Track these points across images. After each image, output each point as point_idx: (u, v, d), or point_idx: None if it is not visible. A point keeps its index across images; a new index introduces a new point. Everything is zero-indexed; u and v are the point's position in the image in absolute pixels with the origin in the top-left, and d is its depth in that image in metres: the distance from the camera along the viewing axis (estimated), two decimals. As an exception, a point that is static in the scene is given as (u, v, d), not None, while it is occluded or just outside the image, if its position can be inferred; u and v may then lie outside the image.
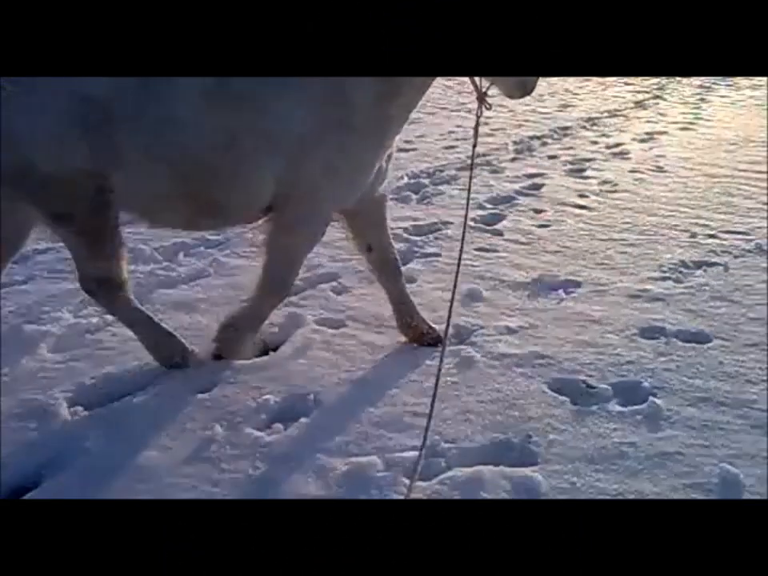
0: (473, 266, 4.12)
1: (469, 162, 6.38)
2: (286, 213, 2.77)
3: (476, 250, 4.33)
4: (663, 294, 3.74)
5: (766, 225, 4.78)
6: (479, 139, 3.05)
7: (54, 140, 2.44)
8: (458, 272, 2.81)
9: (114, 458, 2.47)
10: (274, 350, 3.14)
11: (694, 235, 4.59)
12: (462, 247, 2.86)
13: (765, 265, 4.12)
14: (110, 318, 3.31)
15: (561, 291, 3.80)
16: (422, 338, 3.20)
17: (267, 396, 2.76)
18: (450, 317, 2.54)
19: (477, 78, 2.82)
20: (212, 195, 2.66)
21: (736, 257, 4.25)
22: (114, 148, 2.49)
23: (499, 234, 4.62)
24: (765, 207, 5.20)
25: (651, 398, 2.78)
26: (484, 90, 2.84)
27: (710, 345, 3.22)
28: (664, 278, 3.95)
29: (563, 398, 2.82)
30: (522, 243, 4.41)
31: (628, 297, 3.72)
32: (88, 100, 2.42)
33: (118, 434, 2.59)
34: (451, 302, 2.59)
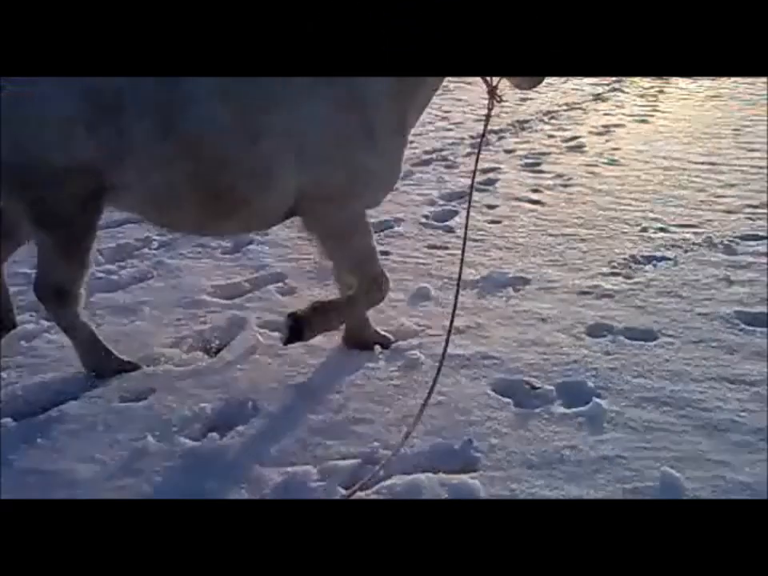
0: (423, 264, 4.07)
1: (423, 157, 6.37)
2: (317, 219, 2.78)
3: (427, 247, 4.29)
4: (612, 290, 3.72)
5: (716, 218, 4.80)
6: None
7: (62, 132, 2.41)
8: (460, 272, 2.97)
9: (42, 471, 2.38)
10: (215, 353, 3.06)
11: (645, 229, 4.59)
12: (464, 245, 3.05)
13: (714, 259, 4.13)
14: (46, 324, 3.21)
15: (510, 289, 3.76)
16: (367, 341, 3.13)
17: (204, 404, 2.68)
18: (452, 321, 2.65)
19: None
20: (229, 194, 2.61)
21: (686, 251, 4.26)
22: (123, 142, 2.45)
23: (451, 230, 4.58)
24: (717, 200, 5.23)
25: (595, 399, 2.75)
26: (494, 83, 2.86)
27: (656, 342, 3.20)
28: (614, 274, 3.94)
29: (506, 399, 2.78)
30: (474, 240, 4.36)
31: (577, 294, 3.70)
32: (99, 90, 2.40)
33: (46, 446, 2.49)
34: (455, 302, 2.77)
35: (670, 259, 4.12)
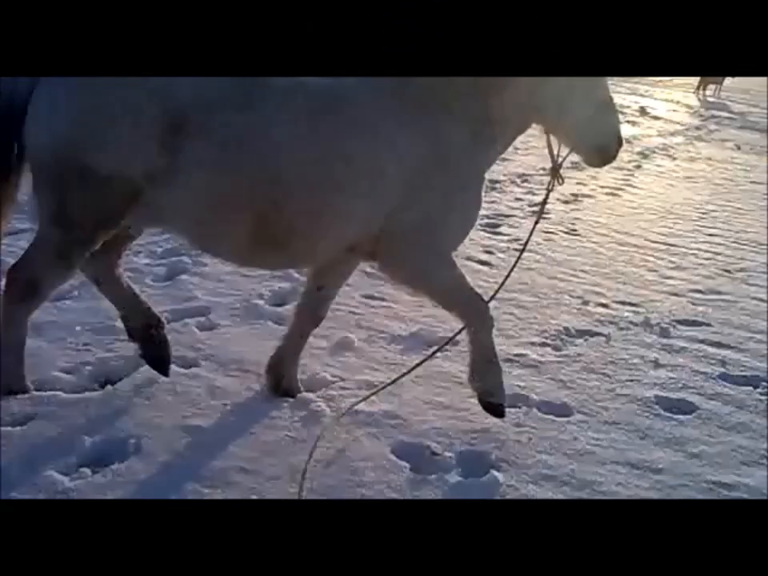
0: (354, 312, 4.00)
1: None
2: (399, 261, 2.73)
3: (362, 296, 4.22)
4: (538, 360, 3.67)
5: (659, 299, 4.80)
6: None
7: (120, 139, 2.36)
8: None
9: None
10: (112, 384, 2.94)
11: (586, 302, 4.56)
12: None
13: (648, 340, 4.10)
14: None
15: (436, 348, 3.69)
16: (281, 388, 3.04)
17: (84, 436, 2.56)
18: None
19: (555, 149, 2.80)
20: (286, 222, 2.51)
21: (621, 328, 4.23)
22: (179, 162, 2.38)
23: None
24: (664, 281, 5.24)
25: (492, 472, 2.67)
26: (560, 160, 2.81)
27: (569, 419, 3.14)
28: (543, 344, 3.89)
29: (404, 463, 2.69)
30: (411, 295, 4.31)
31: (502, 361, 3.61)
32: (166, 105, 2.35)
33: None
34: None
35: (603, 335, 4.08)
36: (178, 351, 3.26)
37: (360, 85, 2.53)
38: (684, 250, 6.17)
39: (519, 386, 3.37)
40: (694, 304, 4.80)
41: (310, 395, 3.05)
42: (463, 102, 2.60)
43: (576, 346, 3.93)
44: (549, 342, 3.94)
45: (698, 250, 6.22)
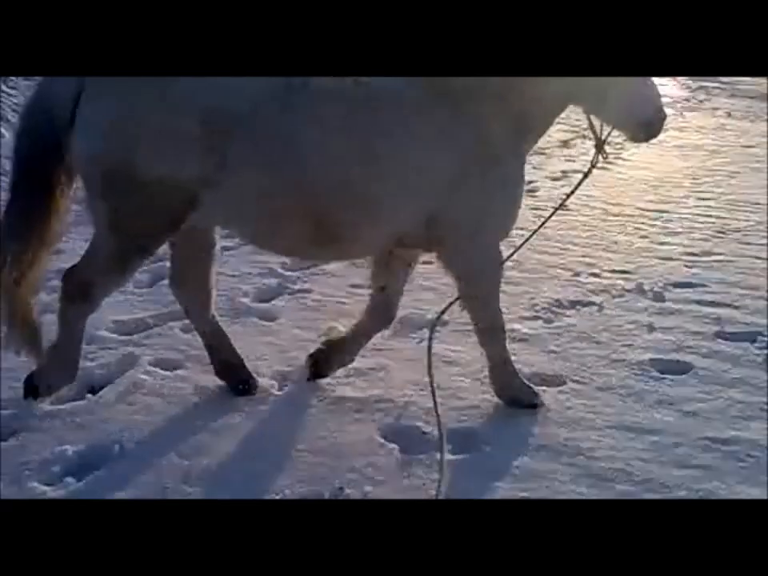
0: (342, 303, 3.97)
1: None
2: (446, 252, 2.77)
3: (350, 286, 4.18)
4: (529, 334, 3.62)
5: (652, 264, 4.74)
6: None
7: (168, 150, 2.37)
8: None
9: None
10: (96, 392, 2.92)
11: (577, 274, 4.50)
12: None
13: (641, 305, 4.04)
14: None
15: (425, 330, 3.65)
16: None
17: (67, 446, 2.54)
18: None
19: (597, 125, 2.76)
20: (336, 218, 2.55)
21: (614, 296, 4.17)
22: (227, 161, 2.40)
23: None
24: (658, 247, 5.18)
25: (483, 447, 2.63)
26: (604, 135, 2.77)
27: (561, 388, 3.10)
28: (535, 318, 3.84)
29: (392, 445, 2.66)
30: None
31: (492, 337, 3.59)
32: (213, 110, 2.37)
33: None
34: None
35: (595, 304, 4.02)
36: (162, 354, 3.25)
37: (400, 81, 2.53)
38: (677, 215, 6.08)
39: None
40: (687, 267, 4.73)
41: (298, 387, 3.02)
42: (503, 92, 2.58)
43: (568, 317, 3.87)
44: (540, 315, 3.88)
45: (691, 214, 6.13)
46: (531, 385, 2.99)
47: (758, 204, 6.52)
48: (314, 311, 3.83)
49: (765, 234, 5.59)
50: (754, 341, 3.60)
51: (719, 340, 3.61)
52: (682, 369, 3.29)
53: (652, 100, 2.71)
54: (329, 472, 2.49)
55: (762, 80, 15.29)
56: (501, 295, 4.12)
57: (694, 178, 7.48)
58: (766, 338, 3.63)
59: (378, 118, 2.51)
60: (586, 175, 2.91)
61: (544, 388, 3.09)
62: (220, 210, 2.53)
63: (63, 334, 2.66)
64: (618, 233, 5.49)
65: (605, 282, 4.39)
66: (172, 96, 2.37)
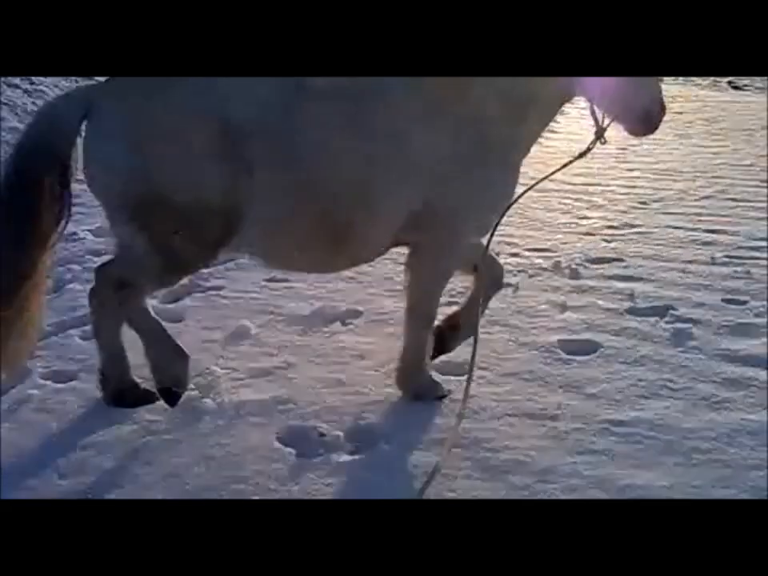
0: (255, 298, 3.87)
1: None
2: (425, 244, 2.74)
3: (265, 280, 4.08)
4: (439, 321, 3.57)
5: (572, 240, 4.74)
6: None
7: (191, 169, 2.34)
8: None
9: None
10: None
11: (497, 254, 4.45)
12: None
13: (556, 284, 4.03)
14: None
15: (338, 323, 3.59)
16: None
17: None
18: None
19: (599, 114, 2.71)
20: (348, 223, 2.58)
21: (530, 276, 4.15)
22: (251, 176, 2.40)
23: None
24: (579, 222, 5.18)
25: (381, 444, 2.58)
26: (605, 124, 2.72)
27: (466, 377, 3.05)
28: (449, 304, 3.78)
29: (289, 449, 2.58)
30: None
31: (404, 326, 3.54)
32: (228, 126, 2.35)
33: None
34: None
35: (511, 285, 3.99)
36: (56, 365, 3.12)
37: (396, 81, 2.52)
38: (601, 188, 6.12)
39: (420, 351, 3.27)
40: (606, 241, 4.75)
41: (195, 393, 2.91)
42: (500, 84, 2.55)
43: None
44: (454, 300, 3.83)
45: (616, 186, 6.18)
46: (436, 377, 2.95)
47: (682, 172, 6.60)
48: (223, 309, 3.71)
49: (685, 202, 5.66)
50: (663, 315, 3.61)
51: (630, 316, 3.62)
52: (590, 349, 3.28)
53: (654, 91, 2.68)
54: (219, 482, 2.40)
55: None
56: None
57: (620, 148, 7.50)
58: (676, 312, 3.65)
59: (375, 117, 2.52)
60: (579, 156, 2.85)
61: (450, 377, 3.05)
62: (250, 233, 2.52)
63: (146, 331, 2.69)
64: (541, 209, 5.47)
65: (523, 261, 4.39)
66: (181, 115, 2.34)
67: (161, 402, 2.81)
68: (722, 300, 3.81)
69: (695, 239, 4.77)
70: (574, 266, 4.24)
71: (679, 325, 3.47)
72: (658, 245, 4.67)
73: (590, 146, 2.80)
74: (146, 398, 2.81)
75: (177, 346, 2.75)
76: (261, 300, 3.86)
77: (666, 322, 3.54)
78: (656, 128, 2.71)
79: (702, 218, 5.25)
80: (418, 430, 2.69)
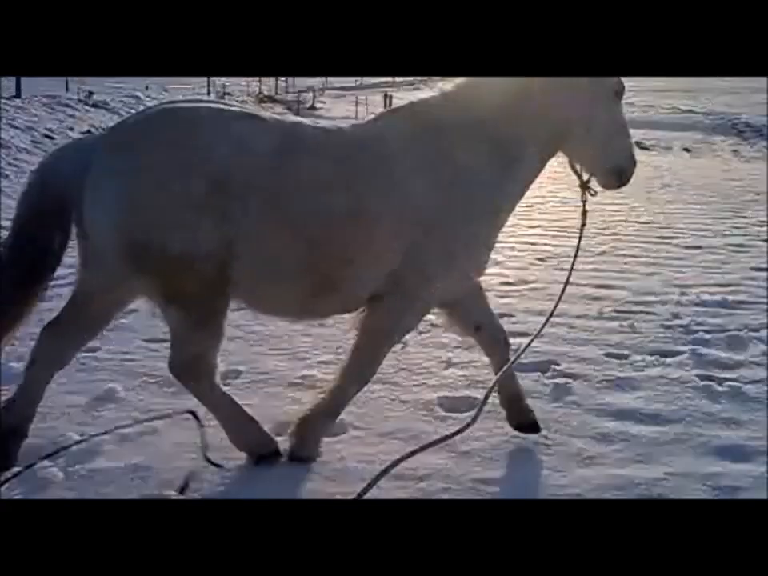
0: (129, 359, 3.71)
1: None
2: (393, 297, 2.68)
3: (144, 340, 3.92)
4: (324, 380, 3.46)
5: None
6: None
7: (183, 221, 2.36)
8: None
9: None
10: None
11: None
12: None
13: (445, 340, 4.01)
14: None
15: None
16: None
17: None
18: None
19: (578, 167, 2.89)
20: (334, 270, 2.58)
21: (421, 332, 4.12)
22: (239, 227, 2.41)
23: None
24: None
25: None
26: (586, 178, 2.89)
27: (341, 437, 2.96)
28: (334, 362, 3.70)
29: (138, 521, 2.40)
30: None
31: (285, 386, 3.44)
32: (217, 178, 2.38)
33: None
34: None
35: (401, 343, 3.94)
36: None
37: (386, 135, 2.64)
38: (502, 245, 6.19)
39: (297, 410, 3.15)
40: (500, 297, 4.78)
41: (45, 462, 2.71)
42: (488, 137, 2.66)
43: (369, 358, 3.76)
44: (342, 358, 3.75)
45: (516, 242, 6.29)
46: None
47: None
48: (92, 372, 3.53)
49: (580, 258, 5.78)
50: (546, 371, 3.61)
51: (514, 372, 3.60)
52: (469, 405, 3.23)
53: (628, 147, 2.84)
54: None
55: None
56: (307, 339, 4.03)
57: (525, 206, 7.70)
58: (558, 367, 3.66)
59: (359, 166, 2.57)
60: (584, 221, 3.03)
61: (327, 438, 2.93)
62: (239, 280, 2.51)
63: (222, 412, 2.69)
64: (441, 266, 5.49)
65: (415, 317, 4.34)
66: (173, 171, 2.37)
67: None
68: (605, 355, 3.85)
69: (585, 294, 4.86)
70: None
71: (560, 380, 3.48)
72: (549, 300, 4.71)
73: (584, 199, 2.95)
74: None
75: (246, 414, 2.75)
76: (136, 361, 3.70)
77: (548, 378, 3.54)
78: (628, 182, 2.88)
79: (595, 274, 5.37)
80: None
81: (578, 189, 2.98)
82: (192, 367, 2.61)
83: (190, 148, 2.40)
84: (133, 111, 16.63)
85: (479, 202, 2.68)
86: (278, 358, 3.75)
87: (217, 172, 2.39)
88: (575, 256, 3.19)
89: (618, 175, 2.84)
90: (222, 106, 2.60)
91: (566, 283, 3.09)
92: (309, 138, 2.55)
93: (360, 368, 2.80)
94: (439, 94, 2.78)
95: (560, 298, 3.07)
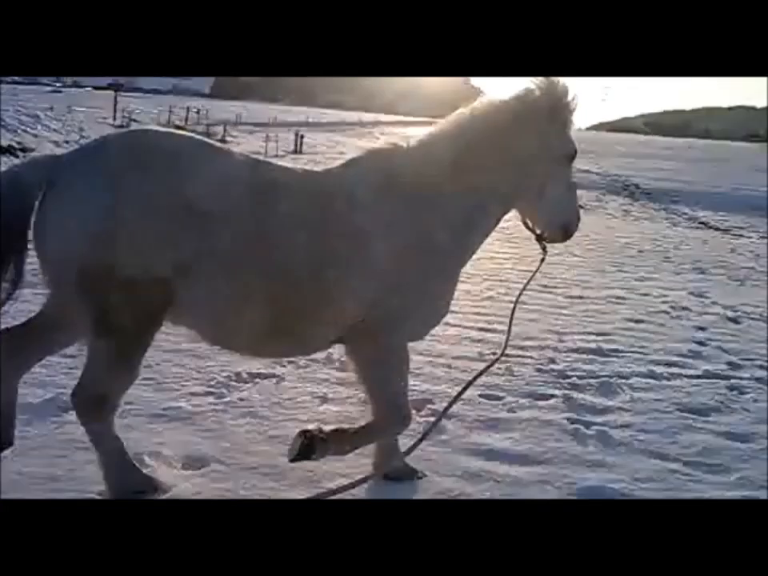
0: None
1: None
2: (364, 347, 2.71)
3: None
4: (192, 412, 3.36)
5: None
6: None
7: (143, 244, 2.32)
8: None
9: None
10: None
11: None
12: None
13: (322, 375, 3.94)
14: None
15: (72, 413, 3.20)
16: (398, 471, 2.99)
17: None
18: None
19: (530, 224, 3.01)
20: (290, 320, 2.57)
21: (299, 367, 4.06)
22: (199, 259, 2.38)
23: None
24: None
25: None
26: (540, 233, 3.01)
27: (203, 470, 2.84)
28: (206, 393, 3.60)
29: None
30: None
31: (148, 417, 3.28)
32: (189, 209, 2.35)
33: None
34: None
35: (276, 376, 3.87)
36: None
37: (358, 182, 2.66)
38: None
39: (159, 443, 3.01)
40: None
41: None
42: (453, 194, 2.71)
43: (243, 391, 3.67)
44: (213, 390, 3.64)
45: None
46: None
47: (472, 274, 6.91)
48: None
49: (466, 302, 5.89)
50: (420, 409, 3.62)
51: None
52: (338, 442, 3.16)
53: (575, 204, 3.00)
54: None
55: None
56: (178, 369, 3.88)
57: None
58: (433, 406, 3.67)
59: (327, 216, 2.56)
60: (537, 269, 3.22)
61: (186, 472, 2.81)
62: (188, 304, 2.46)
63: (106, 450, 2.57)
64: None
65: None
66: (140, 186, 2.33)
67: None
68: (480, 395, 3.89)
69: (467, 336, 4.93)
70: (343, 359, 4.18)
71: (433, 419, 3.46)
72: (431, 341, 4.74)
73: (543, 255, 3.09)
74: None
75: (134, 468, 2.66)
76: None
77: (421, 416, 3.54)
78: (572, 236, 3.04)
79: (479, 318, 5.46)
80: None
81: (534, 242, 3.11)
82: (97, 406, 2.52)
83: (166, 171, 2.38)
84: (31, 131, 16.11)
85: (441, 260, 2.72)
86: (143, 387, 3.58)
87: (190, 200, 2.36)
88: (517, 299, 3.46)
89: (565, 231, 2.99)
90: (184, 134, 2.63)
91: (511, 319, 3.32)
92: (281, 179, 2.57)
93: (392, 414, 2.82)
94: (412, 144, 2.80)
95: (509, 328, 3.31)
